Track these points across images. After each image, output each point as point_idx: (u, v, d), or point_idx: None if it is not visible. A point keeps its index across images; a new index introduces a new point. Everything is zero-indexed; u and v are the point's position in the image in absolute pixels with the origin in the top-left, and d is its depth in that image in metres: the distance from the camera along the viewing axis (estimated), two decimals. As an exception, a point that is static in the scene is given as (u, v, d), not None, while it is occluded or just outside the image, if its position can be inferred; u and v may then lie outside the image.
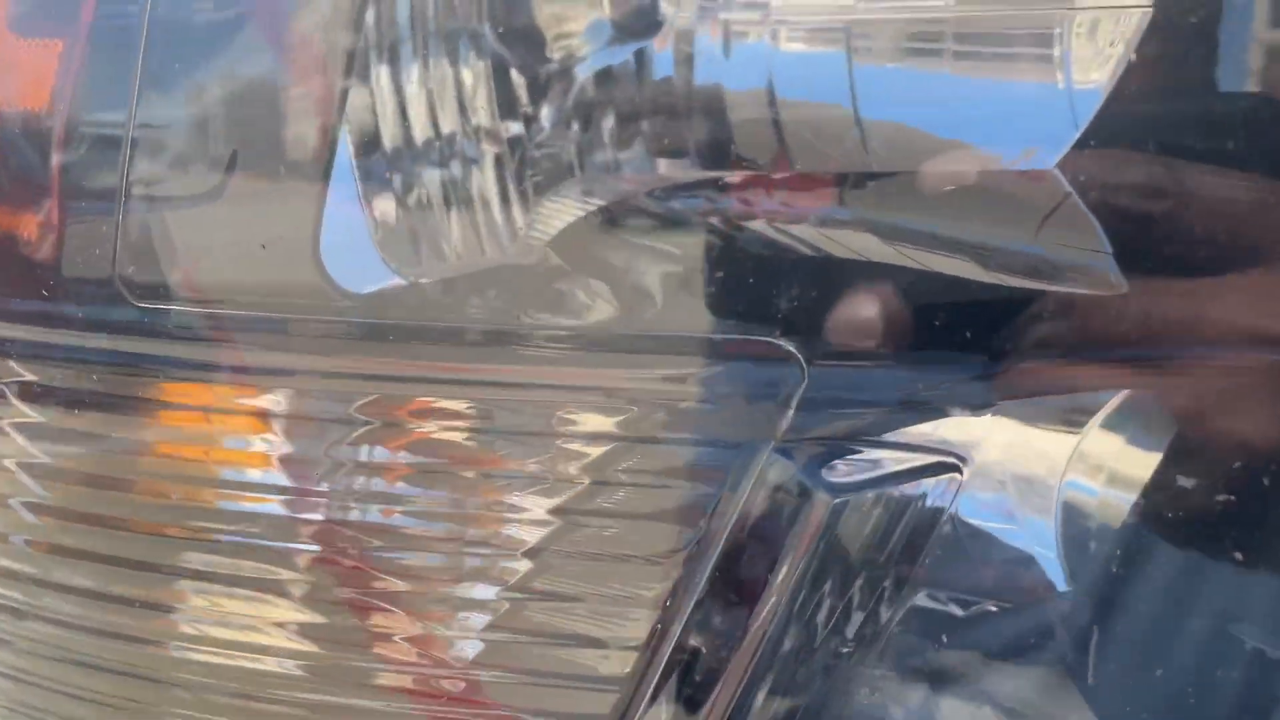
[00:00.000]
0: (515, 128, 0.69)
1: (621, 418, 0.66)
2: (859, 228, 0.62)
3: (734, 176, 0.65)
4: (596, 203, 0.67)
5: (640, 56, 0.65)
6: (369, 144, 0.69)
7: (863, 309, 0.62)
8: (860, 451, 0.65)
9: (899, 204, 0.63)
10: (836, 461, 0.65)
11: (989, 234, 0.62)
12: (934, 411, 0.64)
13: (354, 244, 0.69)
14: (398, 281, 0.70)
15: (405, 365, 0.69)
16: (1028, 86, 0.63)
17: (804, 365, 0.65)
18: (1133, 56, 0.63)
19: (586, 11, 0.63)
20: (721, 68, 0.64)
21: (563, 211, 0.66)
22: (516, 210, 0.68)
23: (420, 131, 0.68)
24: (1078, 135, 0.63)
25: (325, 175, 0.69)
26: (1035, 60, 0.63)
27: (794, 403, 0.65)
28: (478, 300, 0.67)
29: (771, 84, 0.64)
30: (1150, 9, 0.62)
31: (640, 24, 0.62)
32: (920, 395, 0.63)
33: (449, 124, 0.68)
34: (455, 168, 0.68)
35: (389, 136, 0.69)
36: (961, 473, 0.64)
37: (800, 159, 0.64)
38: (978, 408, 0.63)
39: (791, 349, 0.64)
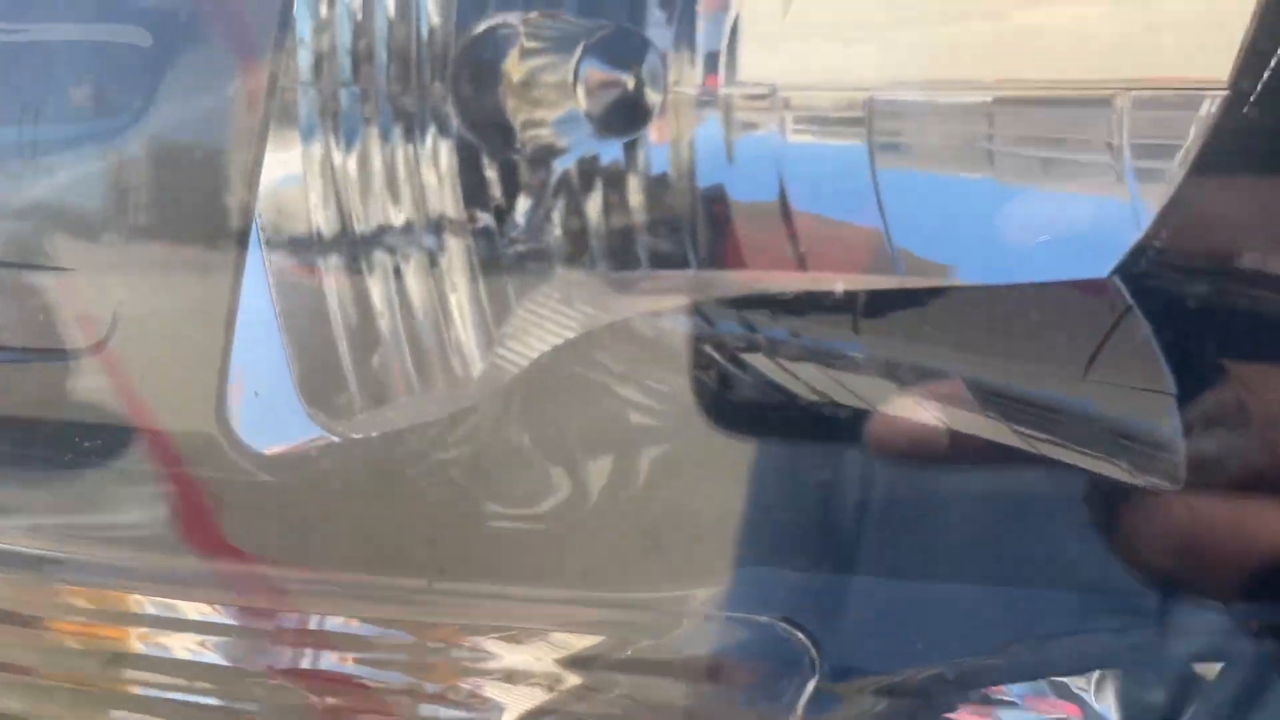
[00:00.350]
0: (484, 219, 0.59)
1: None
2: (875, 370, 0.53)
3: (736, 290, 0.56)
4: (573, 312, 0.57)
5: (630, 150, 0.55)
6: (289, 244, 0.56)
7: None
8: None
9: (921, 336, 0.54)
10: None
11: (1033, 379, 0.53)
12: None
13: (268, 385, 0.54)
14: (322, 439, 0.54)
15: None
16: (1082, 183, 0.54)
17: (814, 655, 0.50)
18: (1204, 144, 0.53)
19: (559, 101, 0.53)
20: (722, 167, 0.54)
21: (531, 327, 0.57)
22: (475, 323, 0.57)
23: (363, 222, 0.58)
24: (1139, 237, 0.54)
25: (233, 291, 0.55)
26: (1090, 151, 0.54)
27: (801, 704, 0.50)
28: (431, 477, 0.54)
29: (782, 186, 0.54)
30: (1226, 91, 0.53)
31: (619, 120, 0.52)
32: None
33: (401, 215, 0.59)
34: (407, 266, 0.58)
35: (320, 231, 0.57)
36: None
37: (812, 273, 0.55)
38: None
39: (799, 634, 0.48)
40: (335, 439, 0.49)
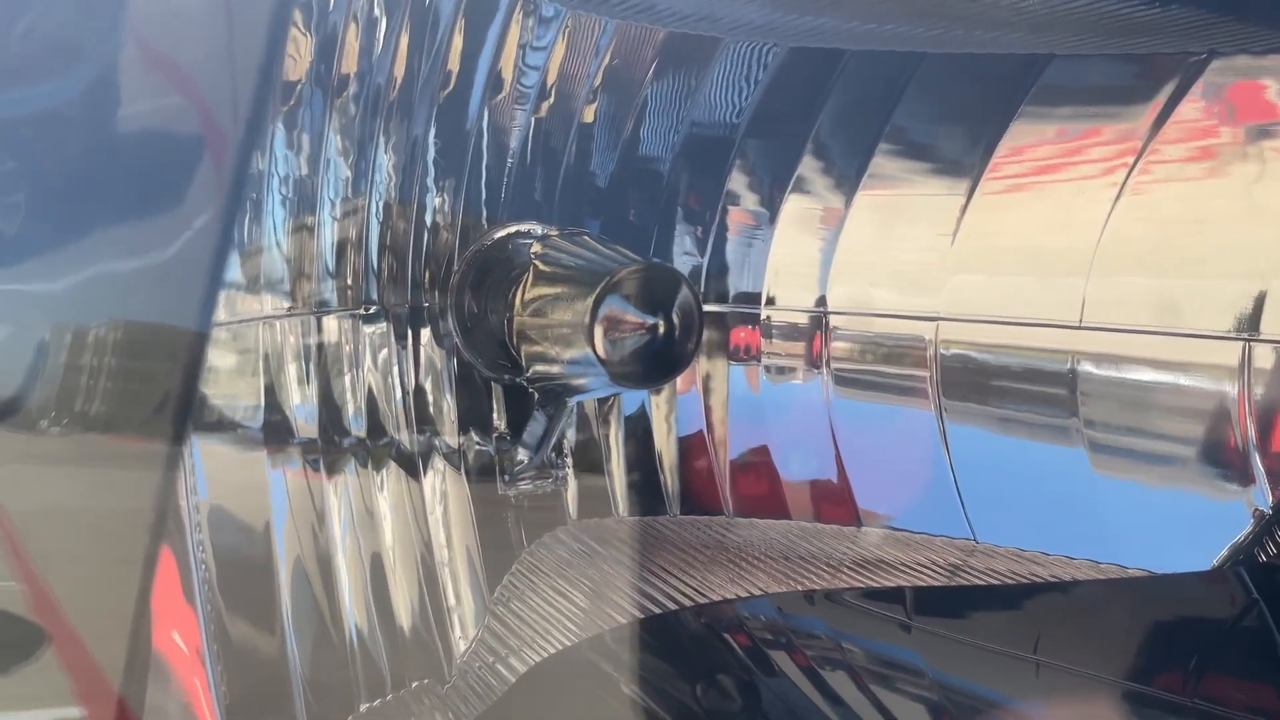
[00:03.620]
0: (483, 446, 0.51)
1: None
2: (927, 686, 0.44)
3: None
4: (590, 572, 0.48)
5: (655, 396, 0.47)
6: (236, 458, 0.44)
7: None
8: None
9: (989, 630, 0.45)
10: None
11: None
12: None
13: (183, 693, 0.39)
14: None
15: None
16: (1191, 453, 0.46)
17: None
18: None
19: (573, 341, 0.44)
20: (762, 425, 0.45)
21: (533, 594, 0.48)
22: (468, 577, 0.48)
23: (343, 436, 0.48)
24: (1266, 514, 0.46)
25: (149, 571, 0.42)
26: (1201, 416, 0.45)
27: None
28: None
29: (835, 443, 0.46)
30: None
31: (644, 371, 0.43)
32: None
33: (386, 431, 0.50)
34: (386, 497, 0.49)
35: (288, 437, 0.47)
36: None
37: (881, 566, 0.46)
38: None
39: None
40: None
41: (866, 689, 0.43)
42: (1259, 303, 0.43)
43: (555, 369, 0.47)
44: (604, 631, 0.45)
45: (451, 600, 0.48)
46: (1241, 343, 0.44)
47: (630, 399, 0.50)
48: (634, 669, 0.45)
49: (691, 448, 0.50)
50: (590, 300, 0.44)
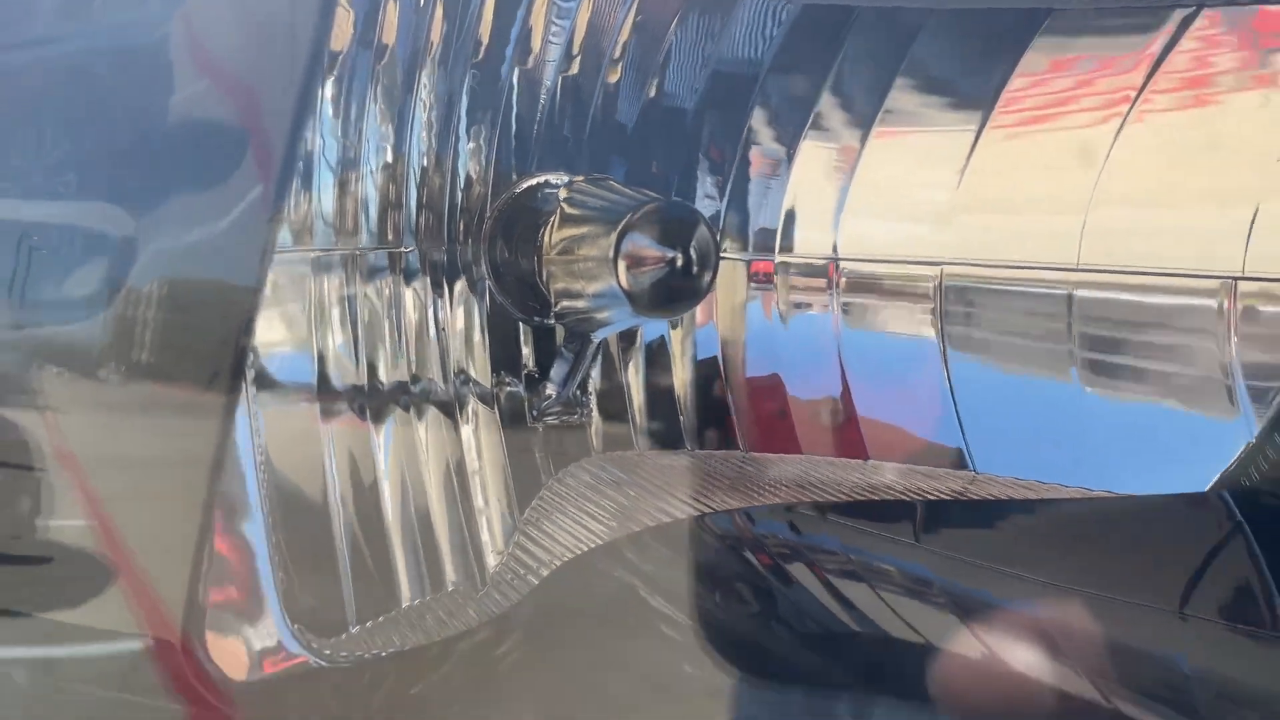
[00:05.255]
0: (514, 385, 0.54)
1: None
2: (929, 597, 0.47)
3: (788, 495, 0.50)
4: (612, 494, 0.52)
5: (675, 328, 0.50)
6: (287, 400, 0.48)
7: None
8: None
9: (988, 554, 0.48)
10: None
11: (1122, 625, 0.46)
12: None
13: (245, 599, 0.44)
14: (306, 661, 0.44)
15: None
16: (1180, 382, 0.48)
17: None
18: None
19: (598, 274, 0.48)
20: (776, 353, 0.49)
21: (560, 515, 0.51)
22: (498, 499, 0.52)
23: (381, 381, 0.52)
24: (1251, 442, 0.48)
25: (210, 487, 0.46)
26: (1190, 352, 0.48)
27: None
28: None
29: (844, 373, 0.49)
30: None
31: (663, 301, 0.47)
32: None
33: (422, 376, 0.53)
34: (424, 432, 0.52)
35: (330, 384, 0.50)
36: None
37: (879, 481, 0.49)
38: None
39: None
40: (315, 664, 0.43)
41: (879, 596, 0.46)
42: (1248, 232, 0.45)
43: (581, 304, 0.50)
44: (625, 543, 0.48)
45: (484, 521, 0.51)
46: (1230, 280, 0.46)
47: (651, 340, 0.53)
48: (655, 578, 0.48)
49: (708, 386, 0.53)
50: (614, 236, 0.47)
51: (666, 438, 0.53)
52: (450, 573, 0.49)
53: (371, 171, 0.52)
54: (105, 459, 0.53)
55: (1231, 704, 0.44)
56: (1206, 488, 0.49)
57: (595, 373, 0.55)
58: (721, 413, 0.51)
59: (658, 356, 0.54)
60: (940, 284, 0.49)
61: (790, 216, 0.51)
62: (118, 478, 0.53)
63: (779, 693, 0.45)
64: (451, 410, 0.53)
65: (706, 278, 0.47)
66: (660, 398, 0.53)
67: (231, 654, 0.43)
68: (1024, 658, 0.44)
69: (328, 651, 0.44)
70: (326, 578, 0.45)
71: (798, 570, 0.48)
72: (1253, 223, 0.45)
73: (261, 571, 0.44)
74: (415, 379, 0.52)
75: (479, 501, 0.52)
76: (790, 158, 0.51)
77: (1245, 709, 0.43)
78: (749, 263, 0.51)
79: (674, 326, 0.53)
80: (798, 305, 0.50)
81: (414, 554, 0.48)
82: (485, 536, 0.51)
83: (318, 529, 0.46)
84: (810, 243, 0.51)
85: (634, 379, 0.54)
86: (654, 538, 0.49)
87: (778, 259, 0.51)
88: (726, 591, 0.48)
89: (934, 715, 0.42)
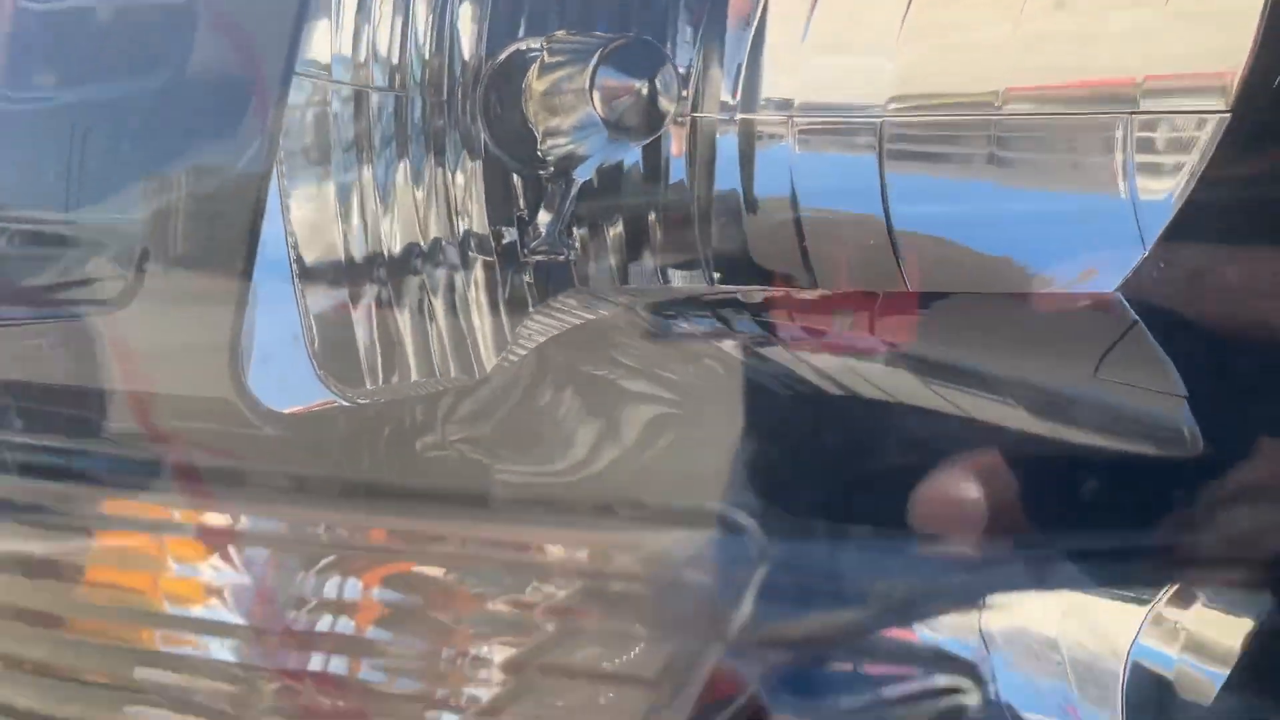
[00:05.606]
0: (508, 233, 0.62)
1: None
2: (893, 363, 0.54)
3: (753, 295, 0.57)
4: (590, 315, 0.59)
5: (649, 158, 0.57)
6: (317, 240, 0.59)
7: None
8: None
9: (938, 336, 0.55)
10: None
11: (1043, 374, 0.53)
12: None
13: (284, 355, 0.57)
14: (334, 401, 0.58)
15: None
16: (1086, 198, 0.55)
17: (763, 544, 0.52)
18: (1207, 164, 0.54)
19: (577, 106, 0.55)
20: (737, 171, 0.56)
21: (547, 329, 0.58)
22: (493, 326, 0.59)
23: (388, 234, 0.60)
24: (1144, 254, 0.55)
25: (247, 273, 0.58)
26: (1094, 169, 0.55)
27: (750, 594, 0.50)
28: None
29: (794, 191, 0.56)
30: (1228, 114, 0.54)
31: (634, 123, 0.54)
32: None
33: (431, 227, 0.61)
34: (431, 273, 0.60)
35: (348, 236, 0.60)
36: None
37: (827, 276, 0.56)
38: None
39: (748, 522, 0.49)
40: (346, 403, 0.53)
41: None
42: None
43: (564, 140, 0.58)
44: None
45: (480, 337, 0.59)
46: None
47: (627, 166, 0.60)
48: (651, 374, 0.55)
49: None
50: (589, 69, 0.55)
51: (642, 262, 0.60)
52: (451, 370, 0.56)
53: (374, 50, 0.60)
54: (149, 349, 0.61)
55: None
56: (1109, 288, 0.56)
57: (579, 213, 0.62)
58: (690, 230, 0.58)
59: (633, 190, 0.61)
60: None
61: (755, 59, 0.58)
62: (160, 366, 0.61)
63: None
64: (456, 258, 0.60)
65: (671, 104, 0.55)
66: (636, 226, 0.60)
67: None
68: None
69: (351, 395, 0.51)
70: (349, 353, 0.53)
71: (774, 352, 0.55)
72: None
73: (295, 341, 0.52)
74: (427, 236, 0.60)
75: (476, 323, 0.59)
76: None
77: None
78: (717, 100, 0.59)
79: (648, 164, 0.60)
80: (762, 137, 0.57)
81: (424, 360, 0.56)
82: (483, 347, 0.58)
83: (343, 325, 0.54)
84: (773, 85, 0.58)
85: (612, 212, 0.61)
86: (629, 337, 0.57)
87: (739, 100, 0.59)
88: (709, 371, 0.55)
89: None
